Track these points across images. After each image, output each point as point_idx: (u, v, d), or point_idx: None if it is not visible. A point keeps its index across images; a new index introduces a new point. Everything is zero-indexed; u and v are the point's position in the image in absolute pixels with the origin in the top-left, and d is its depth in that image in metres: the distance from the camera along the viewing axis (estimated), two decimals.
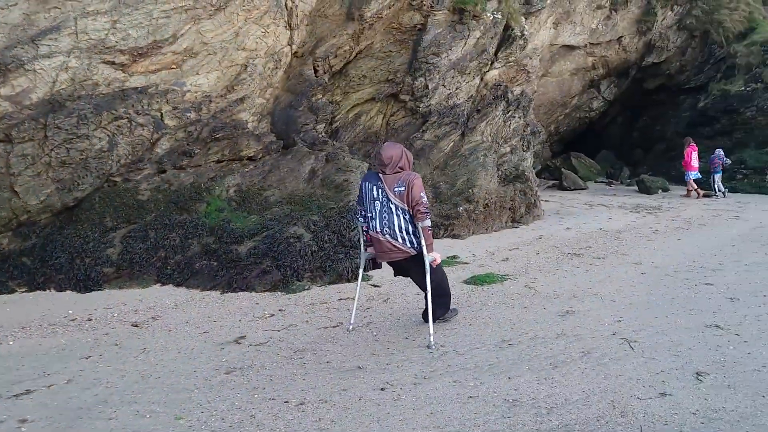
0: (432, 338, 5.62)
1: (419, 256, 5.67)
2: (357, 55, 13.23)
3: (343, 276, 8.36)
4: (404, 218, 5.60)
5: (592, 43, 24.61)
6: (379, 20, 12.79)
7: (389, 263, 6.02)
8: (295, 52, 11.85)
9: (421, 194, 5.54)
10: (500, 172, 14.16)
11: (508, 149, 15.06)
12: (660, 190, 20.44)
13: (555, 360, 5.17)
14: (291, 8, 10.86)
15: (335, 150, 11.19)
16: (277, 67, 11.36)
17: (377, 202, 5.64)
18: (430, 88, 13.35)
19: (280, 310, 7.01)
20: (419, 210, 5.50)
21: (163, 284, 8.05)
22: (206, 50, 9.58)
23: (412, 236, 5.64)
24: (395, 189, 5.56)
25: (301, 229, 8.90)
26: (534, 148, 24.32)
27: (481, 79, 14.78)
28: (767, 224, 13.42)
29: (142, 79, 9.02)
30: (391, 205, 5.57)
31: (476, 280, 8.16)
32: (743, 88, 22.91)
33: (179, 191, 9.18)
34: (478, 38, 14.11)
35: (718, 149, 20.23)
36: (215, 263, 8.36)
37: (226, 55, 9.87)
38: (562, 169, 22.43)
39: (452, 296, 6.44)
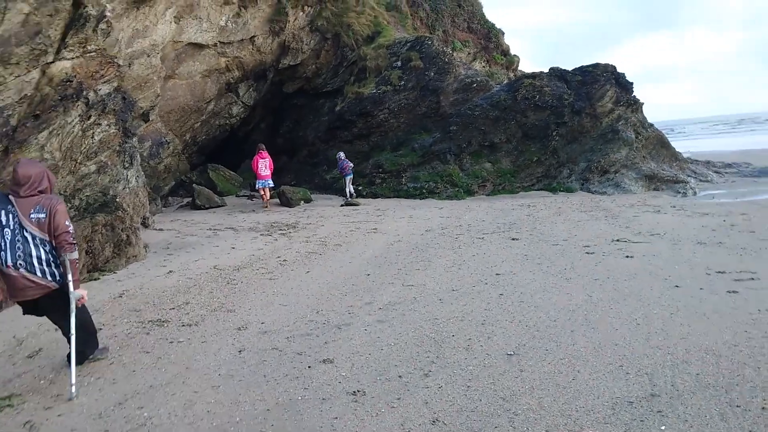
0: (74, 388, 4.84)
1: (61, 291, 4.94)
2: None
3: None
4: (44, 249, 4.83)
5: (223, 42, 21.98)
6: None
7: (20, 303, 5.01)
8: None
9: (67, 222, 4.88)
10: (78, 201, 10.26)
11: (93, 168, 11.19)
12: (302, 201, 18.59)
13: None
14: None
15: None
16: None
17: (7, 230, 4.75)
18: None
19: None
20: (66, 240, 4.82)
21: None
22: None
23: (53, 268, 4.89)
24: (32, 216, 4.78)
25: None
26: (162, 162, 20.83)
27: (43, 72, 10.63)
28: (404, 236, 12.05)
29: None
30: (26, 234, 4.77)
31: None
32: (375, 91, 22.56)
33: None
34: (28, 14, 9.94)
35: (339, 152, 19.96)
36: None
37: None
38: (194, 185, 19.20)
39: None
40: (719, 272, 7.54)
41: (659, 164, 20.32)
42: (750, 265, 7.83)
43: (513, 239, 11.05)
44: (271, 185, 18.56)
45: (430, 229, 12.87)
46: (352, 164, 19.61)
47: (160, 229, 13.21)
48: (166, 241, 11.90)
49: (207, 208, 18.09)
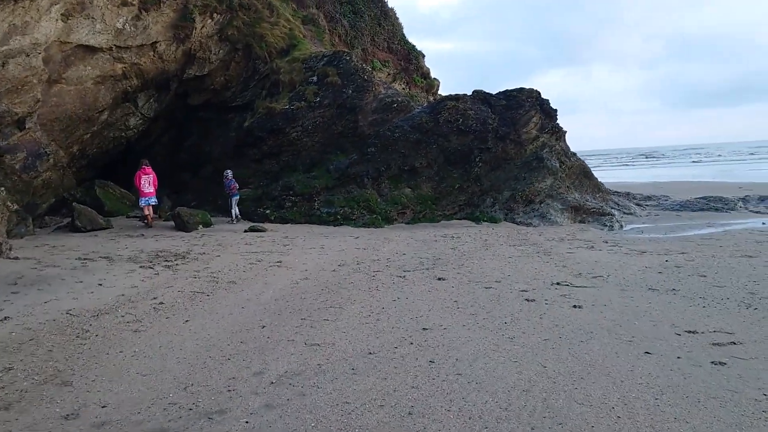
0: None
1: None
2: None
3: None
4: None
5: (120, 47, 19.63)
6: None
7: None
8: None
9: None
10: None
11: None
12: (200, 226, 16.47)
13: None
14: None
15: None
16: None
17: None
18: None
19: None
20: None
21: None
22: None
23: None
24: None
25: None
26: (39, 177, 18.01)
27: None
28: (312, 272, 10.32)
29: None
30: None
31: None
32: (288, 107, 20.77)
33: None
34: None
35: (227, 170, 18.90)
36: None
37: None
38: (74, 204, 16.70)
39: None
40: (690, 332, 6.26)
41: (583, 195, 19.60)
42: (721, 322, 6.62)
43: (439, 279, 9.53)
44: (155, 203, 17.46)
45: (344, 263, 11.20)
46: (237, 186, 18.66)
47: (16, 258, 10.85)
48: (18, 274, 9.60)
49: (89, 231, 15.70)
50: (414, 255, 12.05)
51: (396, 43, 33.09)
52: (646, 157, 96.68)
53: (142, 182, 17.12)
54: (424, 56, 34.97)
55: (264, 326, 6.96)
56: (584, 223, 17.59)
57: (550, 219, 17.49)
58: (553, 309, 7.42)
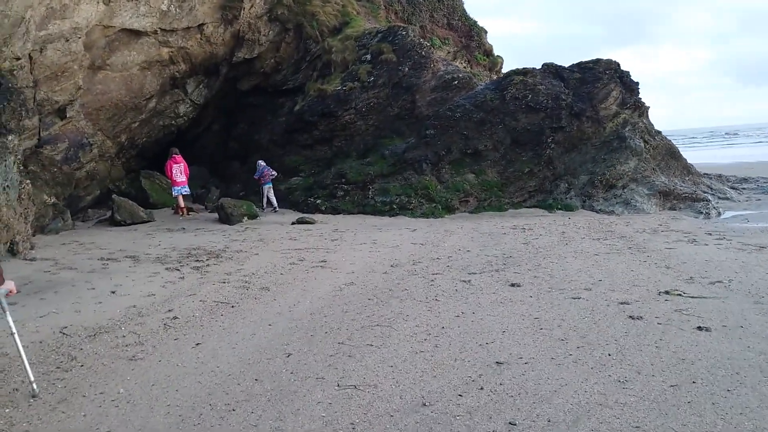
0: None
1: None
2: None
3: None
4: None
5: (165, 30, 18.52)
6: None
7: None
8: None
9: None
10: None
11: None
12: (245, 218, 15.19)
13: None
14: None
15: None
16: None
17: None
18: None
19: None
20: None
21: None
22: None
23: None
24: None
25: None
26: (82, 168, 17.07)
27: None
28: (360, 275, 8.75)
29: None
30: None
31: None
32: (340, 88, 19.24)
33: None
34: None
35: (260, 161, 18.12)
36: None
37: None
38: (114, 197, 15.69)
39: None
40: None
41: (671, 178, 17.31)
42: None
43: (512, 285, 7.78)
44: (188, 192, 17.01)
45: (398, 262, 9.57)
46: (272, 173, 17.77)
47: (33, 259, 9.74)
48: (27, 279, 8.43)
49: (128, 224, 14.68)
50: (480, 252, 10.31)
51: (456, 19, 31.03)
52: (733, 135, 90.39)
53: (174, 171, 16.61)
54: (486, 32, 32.79)
55: (290, 354, 5.42)
56: (675, 210, 15.37)
57: (635, 206, 15.35)
58: (671, 333, 5.57)
